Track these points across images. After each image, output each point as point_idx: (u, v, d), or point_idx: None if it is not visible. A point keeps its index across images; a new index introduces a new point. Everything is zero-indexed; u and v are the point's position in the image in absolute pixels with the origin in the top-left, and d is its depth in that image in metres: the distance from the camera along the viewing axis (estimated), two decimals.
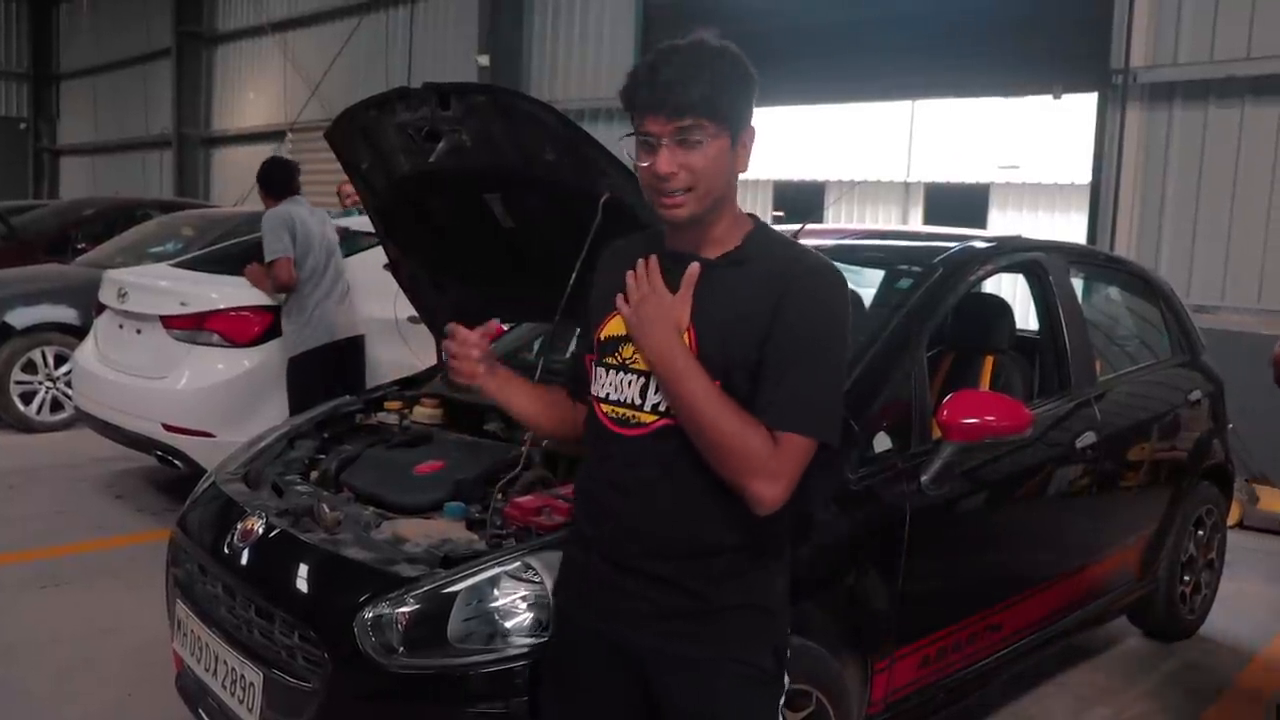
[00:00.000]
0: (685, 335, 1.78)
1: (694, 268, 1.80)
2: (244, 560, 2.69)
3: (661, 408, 1.79)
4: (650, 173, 1.76)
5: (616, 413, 1.85)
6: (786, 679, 1.94)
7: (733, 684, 1.83)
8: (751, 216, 1.92)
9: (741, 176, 1.87)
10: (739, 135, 1.79)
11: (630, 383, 1.84)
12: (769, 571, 1.88)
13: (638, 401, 1.82)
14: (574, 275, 2.68)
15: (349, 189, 8.53)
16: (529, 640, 2.24)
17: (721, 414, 1.72)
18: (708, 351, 1.77)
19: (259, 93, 17.86)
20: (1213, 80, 7.45)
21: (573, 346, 2.18)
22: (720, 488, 1.76)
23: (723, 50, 1.78)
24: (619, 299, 1.82)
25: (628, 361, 1.84)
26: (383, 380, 4.20)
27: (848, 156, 11.93)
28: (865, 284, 3.83)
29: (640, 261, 1.83)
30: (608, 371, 1.88)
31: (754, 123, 1.83)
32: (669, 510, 1.82)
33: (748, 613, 1.84)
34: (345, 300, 5.48)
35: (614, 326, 1.86)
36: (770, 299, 1.77)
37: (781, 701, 1.94)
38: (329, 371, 5.22)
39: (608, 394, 1.87)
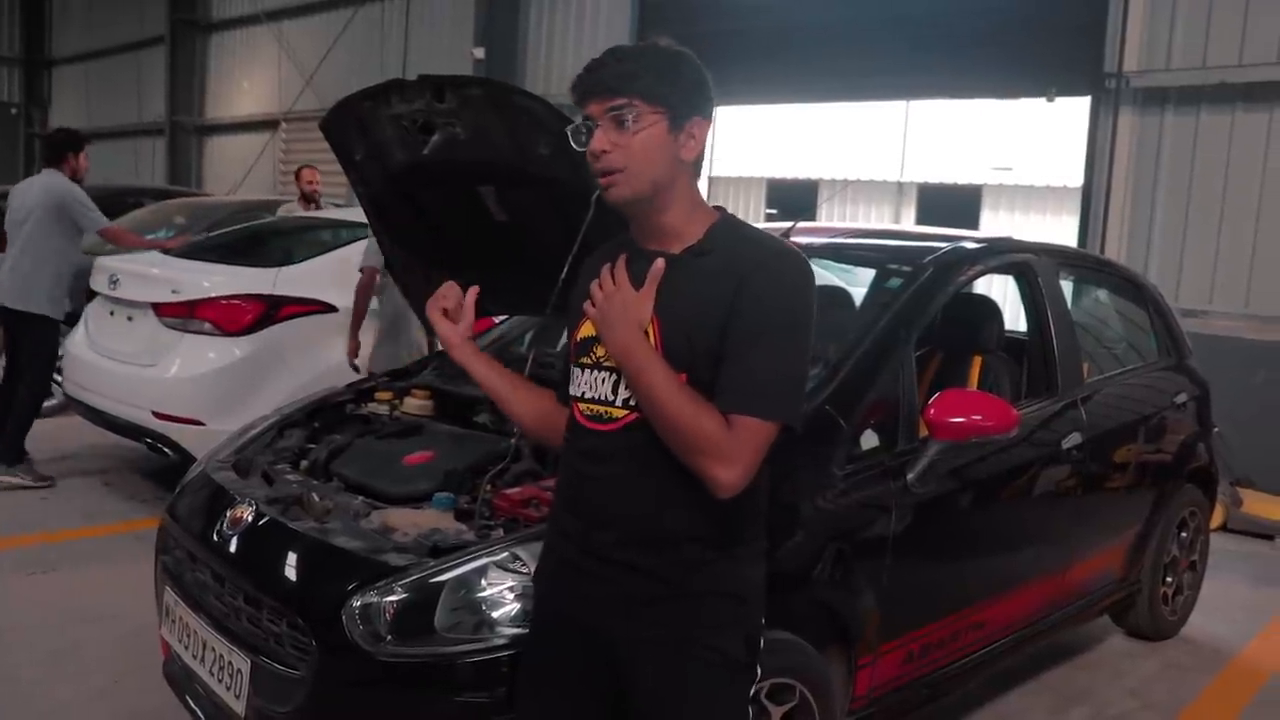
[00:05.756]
0: (650, 330, 1.81)
1: (658, 264, 1.82)
2: (233, 548, 2.70)
3: (631, 402, 1.83)
4: (589, 154, 1.81)
5: (591, 409, 1.89)
6: (759, 669, 1.96)
7: (700, 669, 1.86)
8: (718, 209, 1.94)
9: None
10: (683, 122, 1.83)
11: (603, 380, 1.87)
12: (739, 561, 1.90)
13: (610, 397, 1.86)
14: (565, 269, 2.70)
15: (309, 174, 8.46)
16: (516, 630, 2.25)
17: (677, 400, 1.75)
18: (672, 344, 1.81)
19: (253, 82, 17.79)
20: (1205, 86, 7.48)
21: (563, 341, 2.22)
22: (688, 478, 1.79)
23: (669, 48, 1.84)
24: (586, 302, 1.86)
25: (600, 360, 1.88)
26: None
27: (841, 156, 11.91)
28: (856, 283, 3.86)
29: (606, 265, 1.87)
30: (583, 371, 1.92)
31: (706, 118, 1.86)
32: (639, 502, 1.85)
33: (717, 599, 1.87)
34: (12, 272, 5.84)
35: (588, 328, 1.90)
36: (730, 286, 1.79)
37: (752, 690, 1.96)
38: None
39: (583, 392, 1.91)
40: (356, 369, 5.32)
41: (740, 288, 1.78)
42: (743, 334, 1.77)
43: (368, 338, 5.39)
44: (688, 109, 1.83)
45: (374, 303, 5.37)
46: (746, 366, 1.77)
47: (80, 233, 6.08)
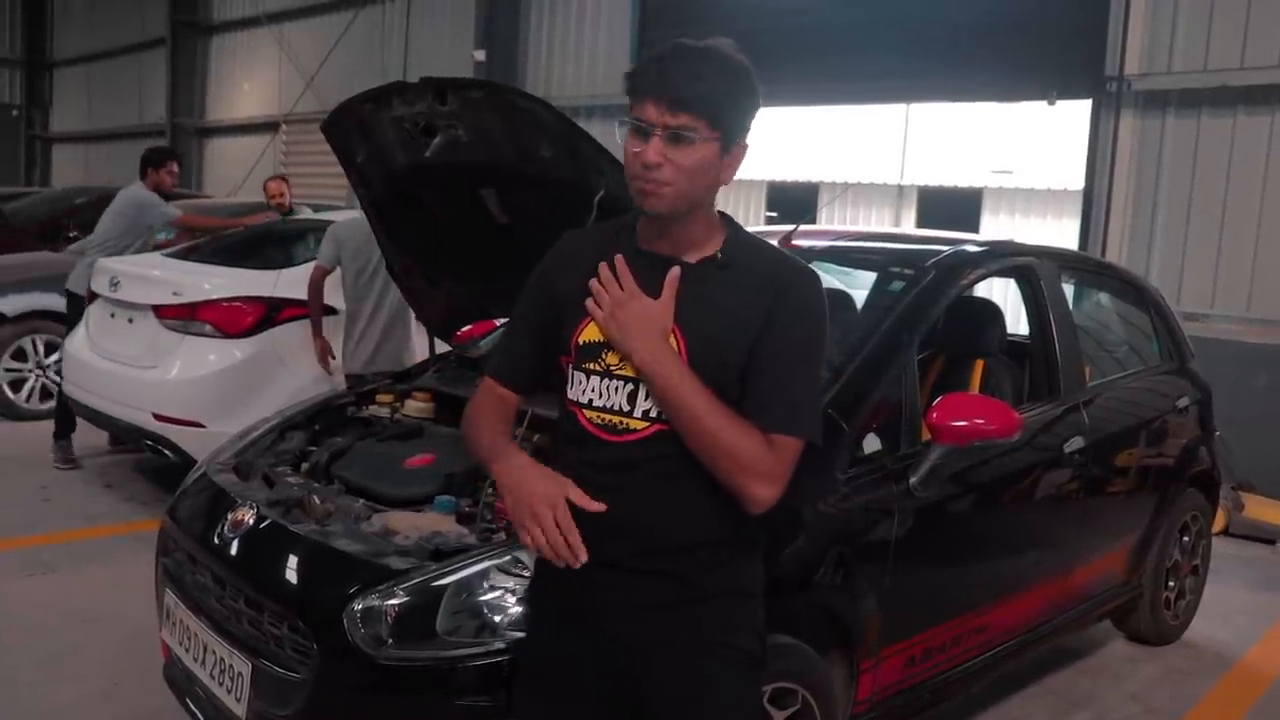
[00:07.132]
0: (673, 341, 1.78)
1: (675, 271, 1.79)
2: (234, 550, 2.70)
3: (653, 414, 1.79)
4: (638, 160, 1.75)
5: (603, 419, 1.83)
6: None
7: (720, 666, 1.86)
8: (723, 216, 1.91)
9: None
10: (731, 146, 1.79)
11: (617, 389, 1.81)
12: (750, 560, 1.92)
13: (626, 408, 1.81)
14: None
15: (274, 187, 8.31)
16: (517, 634, 2.24)
17: (719, 419, 1.74)
18: (700, 358, 1.77)
19: (254, 84, 17.78)
20: (1206, 89, 7.47)
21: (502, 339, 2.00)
22: (711, 486, 1.78)
23: (735, 60, 1.77)
24: (590, 303, 1.80)
25: (612, 368, 1.81)
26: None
27: (842, 159, 11.92)
28: (857, 286, 3.85)
29: (604, 264, 1.81)
30: (589, 377, 1.84)
31: (749, 139, 1.83)
32: (663, 511, 1.82)
33: (732, 598, 1.87)
34: (81, 259, 6.58)
35: (593, 331, 1.83)
36: (761, 305, 1.78)
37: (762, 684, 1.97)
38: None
39: (590, 400, 1.84)
40: (329, 371, 5.30)
41: (774, 306, 1.78)
42: (779, 353, 1.77)
43: (338, 338, 5.37)
44: (738, 133, 1.79)
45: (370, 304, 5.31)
46: (787, 386, 1.78)
47: (149, 229, 6.84)
